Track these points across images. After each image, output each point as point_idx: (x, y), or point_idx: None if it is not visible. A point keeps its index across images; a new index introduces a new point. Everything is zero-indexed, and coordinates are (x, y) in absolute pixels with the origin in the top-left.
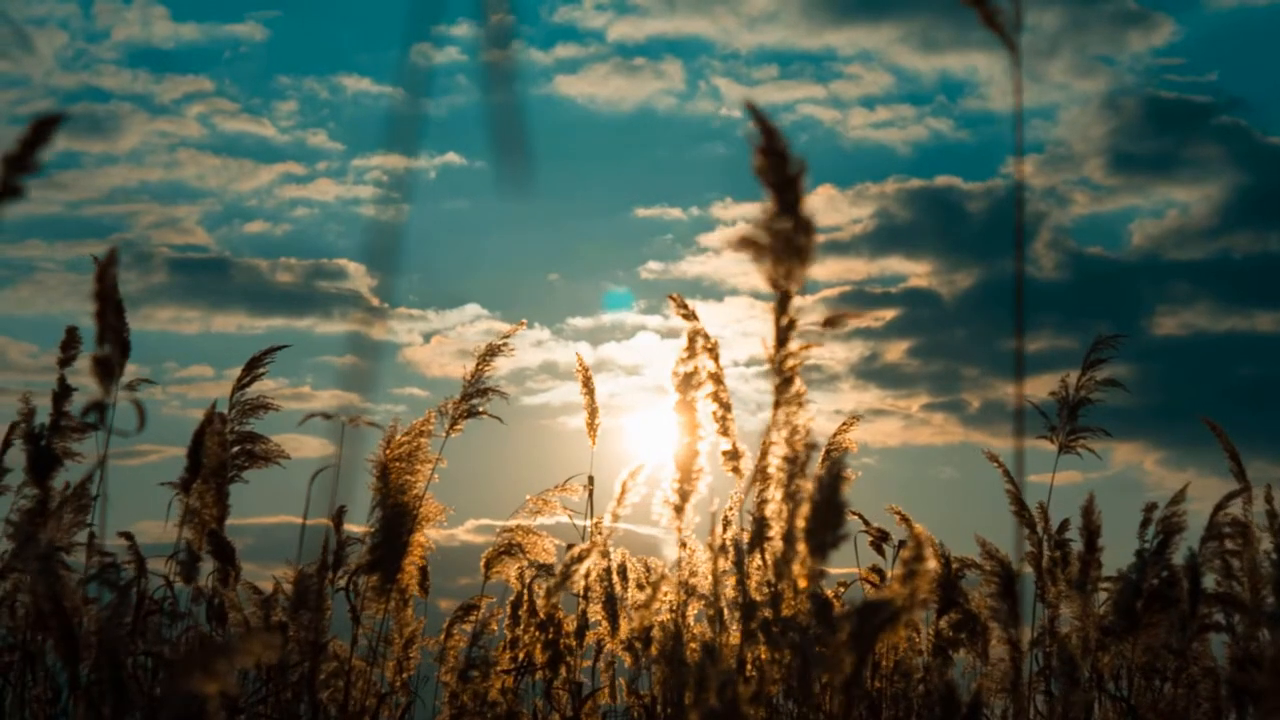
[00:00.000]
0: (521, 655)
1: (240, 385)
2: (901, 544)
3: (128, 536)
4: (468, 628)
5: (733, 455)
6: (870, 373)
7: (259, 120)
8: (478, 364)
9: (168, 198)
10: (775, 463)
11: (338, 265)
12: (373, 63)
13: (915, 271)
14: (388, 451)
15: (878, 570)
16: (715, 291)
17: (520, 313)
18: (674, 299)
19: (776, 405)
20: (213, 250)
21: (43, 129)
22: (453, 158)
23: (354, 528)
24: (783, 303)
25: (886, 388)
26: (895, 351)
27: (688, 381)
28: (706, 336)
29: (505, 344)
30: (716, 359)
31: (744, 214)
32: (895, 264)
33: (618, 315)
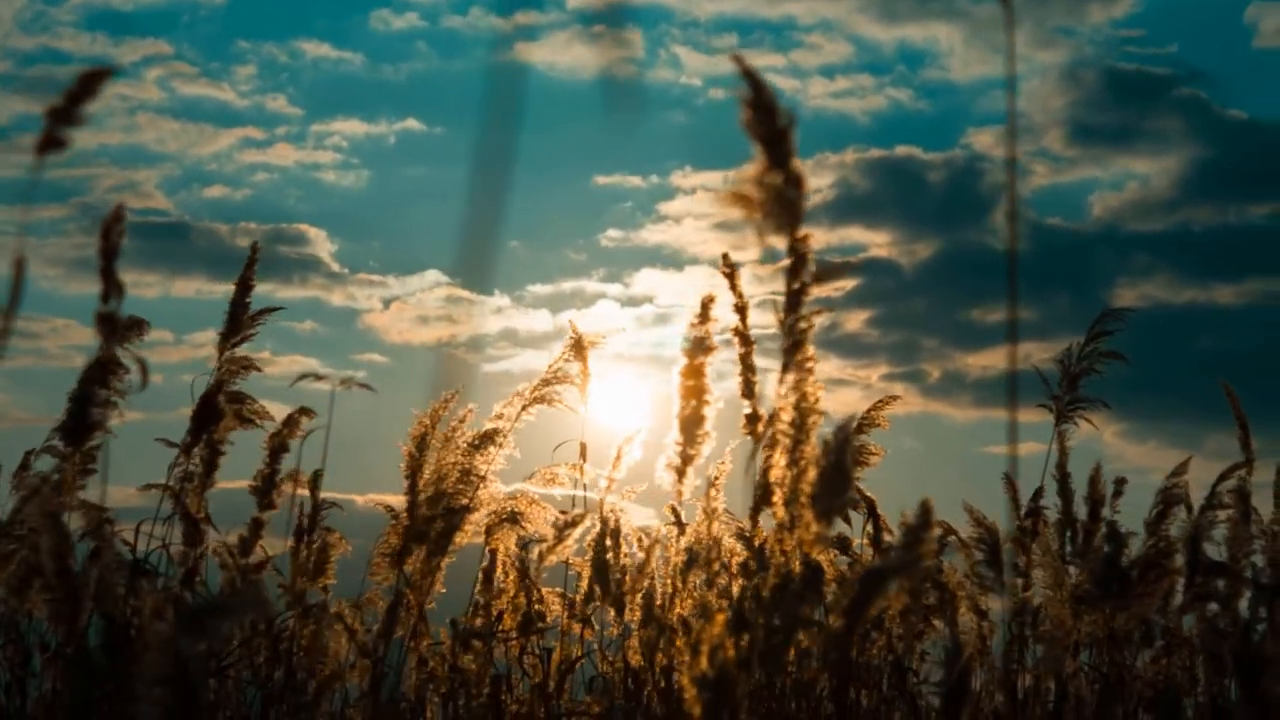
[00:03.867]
0: (494, 617)
1: (228, 344)
2: (871, 512)
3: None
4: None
5: (754, 419)
6: (830, 342)
7: (218, 84)
8: (562, 353)
9: (127, 161)
10: (782, 428)
11: (298, 230)
12: (332, 28)
13: (875, 241)
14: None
15: (842, 539)
16: (675, 260)
17: (481, 279)
18: (724, 256)
19: (785, 370)
20: (172, 214)
21: (90, 82)
22: (413, 123)
23: (329, 495)
24: (795, 266)
25: (846, 357)
26: (855, 321)
27: (699, 346)
28: (741, 296)
29: (598, 339)
30: (746, 321)
31: (704, 182)
32: (855, 234)
33: (578, 283)
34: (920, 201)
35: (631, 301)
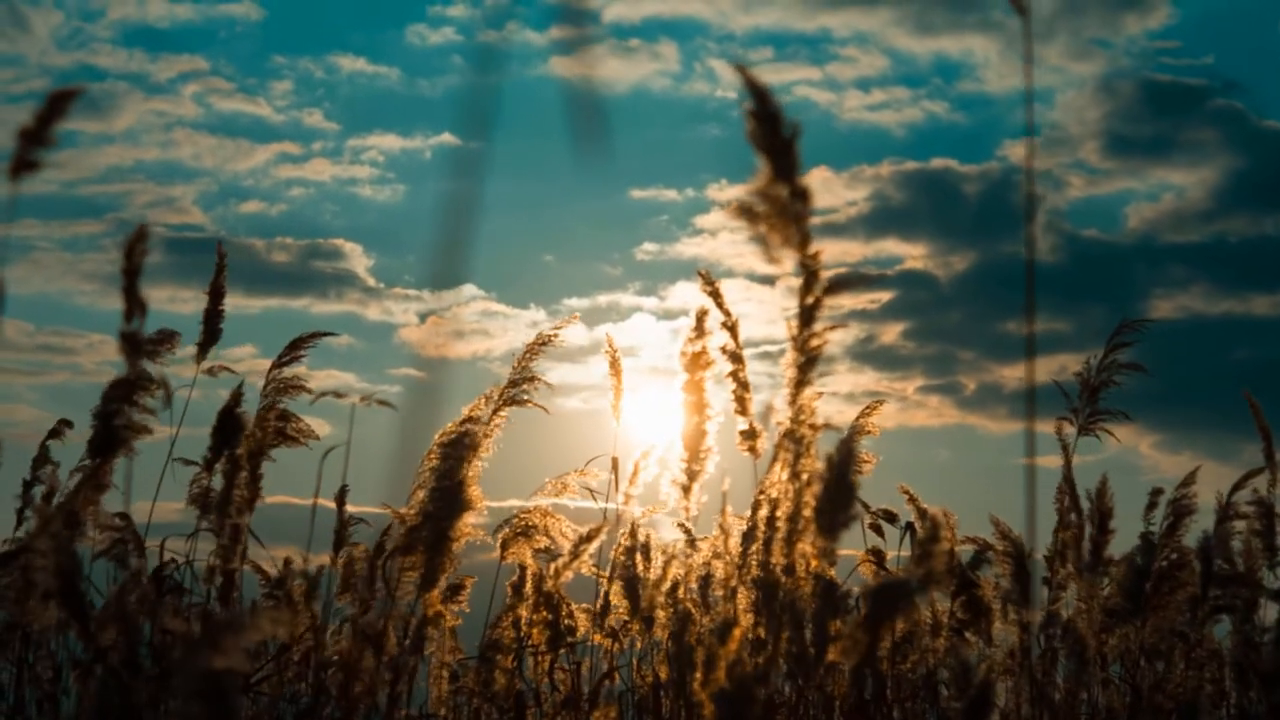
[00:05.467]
0: (523, 634)
1: (279, 364)
2: (909, 525)
3: (124, 516)
4: (455, 608)
5: (750, 435)
6: (866, 355)
7: (254, 100)
8: (526, 351)
9: (163, 177)
10: (786, 443)
11: (333, 245)
12: (368, 42)
13: (911, 254)
14: (442, 435)
15: (878, 552)
16: (711, 273)
17: (516, 293)
18: (702, 275)
19: (797, 385)
20: (209, 230)
21: (58, 103)
22: (448, 138)
23: (354, 508)
24: (808, 282)
25: (882, 370)
26: (891, 334)
27: (696, 361)
28: (729, 314)
29: (555, 335)
30: (737, 338)
31: (739, 195)
32: (891, 246)
33: (613, 296)
34: (956, 214)
35: (667, 315)
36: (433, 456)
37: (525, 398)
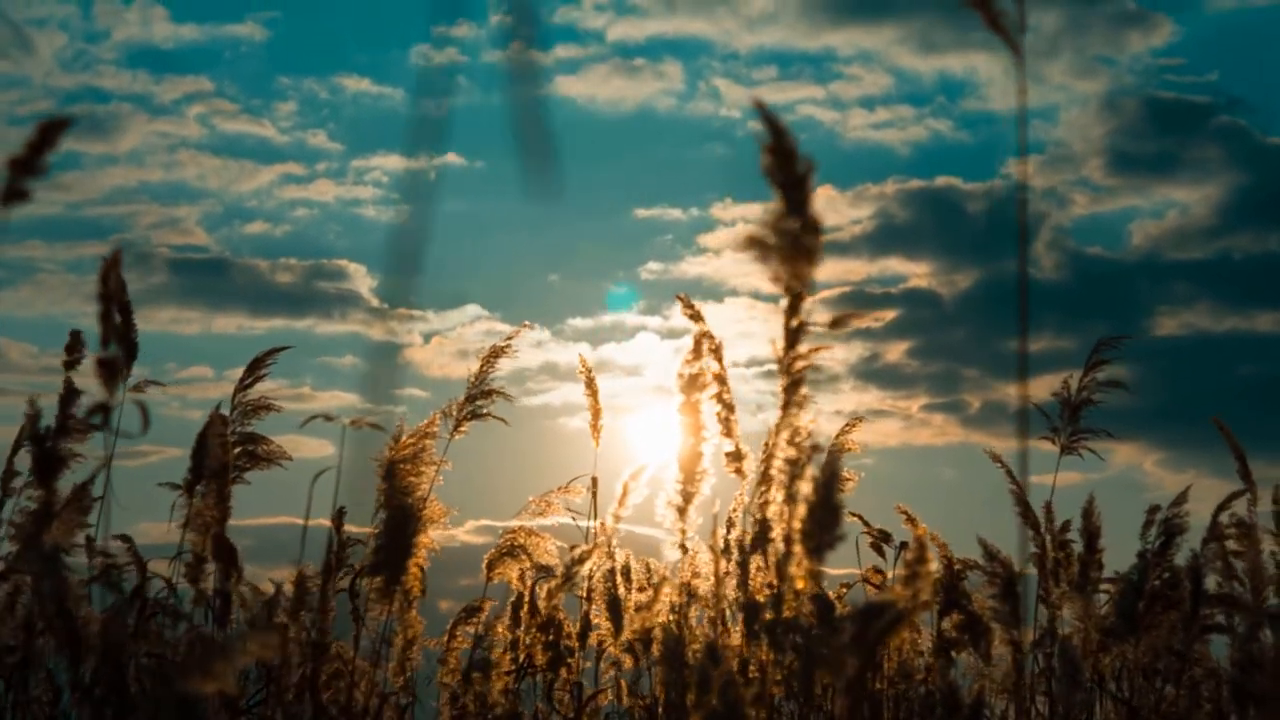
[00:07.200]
0: (522, 657)
1: (243, 386)
2: (904, 545)
3: (125, 538)
4: (471, 629)
5: (735, 456)
6: (870, 373)
7: (259, 121)
8: (482, 365)
9: (168, 198)
10: (779, 464)
11: (337, 266)
12: (373, 63)
13: (915, 272)
14: (393, 452)
15: (878, 571)
16: (715, 292)
17: (520, 313)
18: (681, 299)
19: (784, 407)
20: (213, 251)
21: (49, 132)
22: (452, 158)
23: (354, 529)
24: (794, 304)
25: (886, 388)
26: (895, 352)
27: (692, 383)
28: (711, 338)
29: (509, 345)
30: (721, 360)
31: (744, 214)
32: (895, 264)
33: (618, 316)
34: (960, 232)
35: (671, 334)
36: (388, 474)
37: (485, 411)
